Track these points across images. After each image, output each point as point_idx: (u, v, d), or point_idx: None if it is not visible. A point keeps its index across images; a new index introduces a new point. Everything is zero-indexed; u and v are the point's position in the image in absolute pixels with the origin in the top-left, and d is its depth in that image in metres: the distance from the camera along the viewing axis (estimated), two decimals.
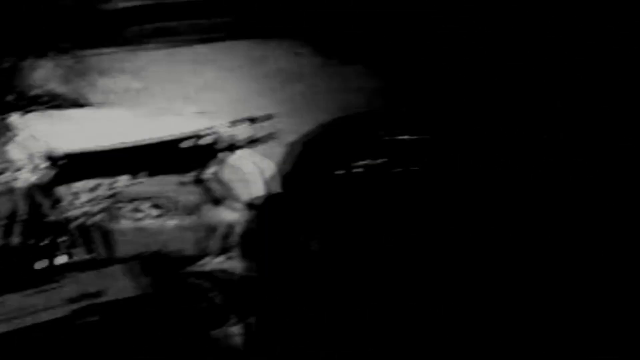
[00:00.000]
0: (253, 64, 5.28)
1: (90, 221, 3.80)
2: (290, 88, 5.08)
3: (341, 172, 4.18)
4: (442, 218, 3.98)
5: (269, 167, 4.26)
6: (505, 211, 3.97)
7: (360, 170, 4.17)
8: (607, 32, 5.04)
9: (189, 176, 4.04)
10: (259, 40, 5.40)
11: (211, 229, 3.97)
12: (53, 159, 3.81)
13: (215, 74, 5.25)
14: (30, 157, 3.81)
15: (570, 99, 4.80)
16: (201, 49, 5.41)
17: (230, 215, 4.04)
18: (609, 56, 4.98)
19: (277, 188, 4.15)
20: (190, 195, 4.00)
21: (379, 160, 4.18)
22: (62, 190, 3.82)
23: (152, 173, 3.99)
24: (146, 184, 3.95)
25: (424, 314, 3.68)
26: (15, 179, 3.75)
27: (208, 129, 4.10)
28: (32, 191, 3.76)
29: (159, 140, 4.02)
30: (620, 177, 4.22)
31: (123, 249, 3.81)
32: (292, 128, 4.53)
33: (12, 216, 3.71)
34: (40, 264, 3.68)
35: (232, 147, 4.16)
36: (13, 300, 3.44)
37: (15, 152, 3.84)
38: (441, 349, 3.52)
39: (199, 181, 4.05)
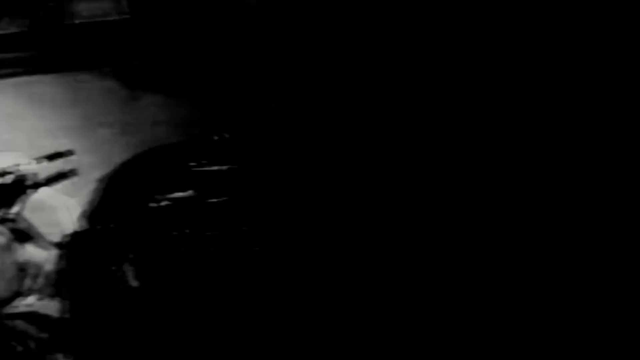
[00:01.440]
0: (56, 99, 5.17)
1: None
2: (95, 121, 5.02)
3: (151, 205, 4.17)
4: (254, 246, 4.05)
5: (76, 203, 4.19)
6: (325, 234, 4.09)
7: (170, 202, 4.17)
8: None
9: None
10: (63, 74, 5.28)
11: (20, 269, 3.85)
12: None
13: (17, 110, 5.09)
14: None
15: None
16: (1, 84, 5.23)
17: (39, 254, 3.94)
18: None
19: (85, 224, 4.08)
20: None
21: (189, 192, 4.20)
22: None
23: None
24: None
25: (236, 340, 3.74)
26: None
27: (11, 166, 3.98)
28: None
29: None
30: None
31: None
32: (97, 163, 4.48)
33: None
34: None
35: (36, 185, 4.06)
36: None
37: None
38: None
39: (4, 220, 3.92)
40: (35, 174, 4.05)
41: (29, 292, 3.84)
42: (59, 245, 3.99)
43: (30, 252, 3.93)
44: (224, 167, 4.36)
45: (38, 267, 3.90)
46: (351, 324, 3.81)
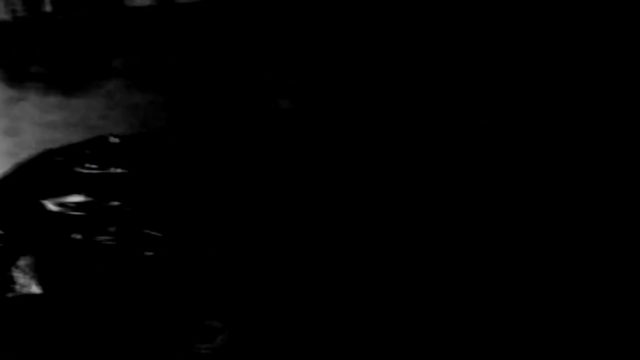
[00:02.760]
0: None
1: None
2: None
3: (43, 209, 4.13)
4: (148, 252, 4.03)
5: None
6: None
7: (62, 207, 4.14)
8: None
9: None
10: None
11: None
12: None
13: None
14: None
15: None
16: None
17: None
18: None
19: None
20: None
21: (82, 196, 4.18)
22: None
23: None
24: None
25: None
26: None
27: None
28: None
29: None
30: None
31: None
32: None
33: None
34: None
35: None
36: None
37: None
38: None
39: None
40: None
41: None
42: None
43: None
44: (118, 170, 4.34)
45: None
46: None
